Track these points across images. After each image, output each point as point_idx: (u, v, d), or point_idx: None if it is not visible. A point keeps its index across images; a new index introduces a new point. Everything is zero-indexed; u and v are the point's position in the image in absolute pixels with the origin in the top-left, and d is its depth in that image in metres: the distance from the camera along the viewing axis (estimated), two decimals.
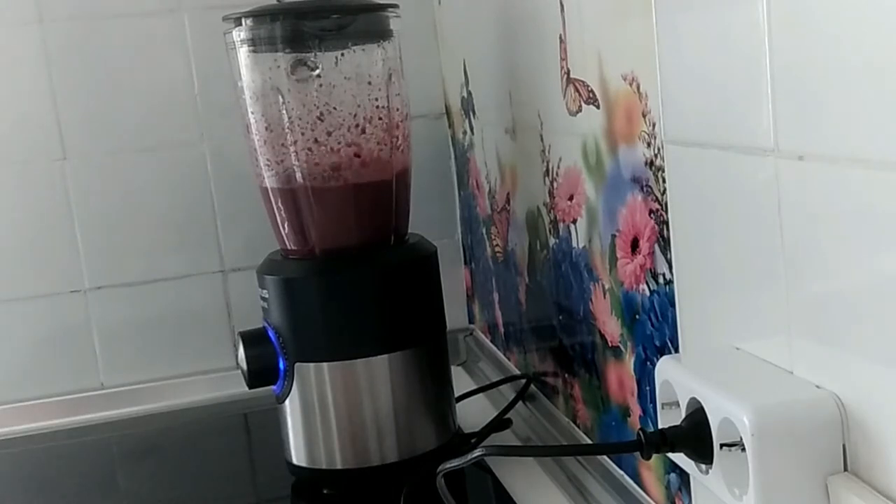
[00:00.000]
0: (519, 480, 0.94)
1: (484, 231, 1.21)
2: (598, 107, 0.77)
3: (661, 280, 0.70)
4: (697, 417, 0.56)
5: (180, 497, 1.04)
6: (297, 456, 0.96)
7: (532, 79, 0.92)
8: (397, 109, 0.96)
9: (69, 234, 1.27)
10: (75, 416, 1.26)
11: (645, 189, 0.70)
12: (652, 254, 0.71)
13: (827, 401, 0.51)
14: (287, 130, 0.92)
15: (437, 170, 1.33)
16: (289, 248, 0.97)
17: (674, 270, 0.67)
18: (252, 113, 0.94)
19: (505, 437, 1.04)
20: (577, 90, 0.80)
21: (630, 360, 0.77)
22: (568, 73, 0.82)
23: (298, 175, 0.93)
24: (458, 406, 1.02)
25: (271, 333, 0.94)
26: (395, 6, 0.95)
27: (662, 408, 0.62)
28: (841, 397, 0.51)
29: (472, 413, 1.07)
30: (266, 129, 0.93)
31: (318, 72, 0.92)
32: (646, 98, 0.68)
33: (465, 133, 1.24)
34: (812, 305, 0.52)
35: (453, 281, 1.31)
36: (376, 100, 0.94)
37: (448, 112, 1.33)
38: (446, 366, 0.99)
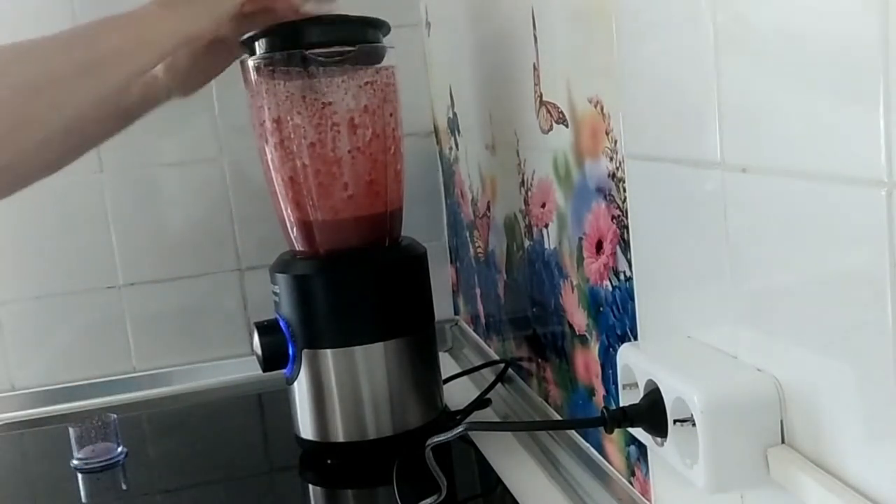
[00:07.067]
0: (498, 452, 0.94)
1: (468, 234, 1.20)
2: (567, 126, 0.76)
3: (622, 277, 0.69)
4: (654, 397, 0.56)
5: (202, 466, 1.03)
6: (305, 430, 0.95)
7: (509, 101, 0.91)
8: (392, 129, 0.95)
9: (105, 237, 1.26)
10: (111, 396, 1.25)
11: (608, 197, 0.70)
12: (614, 254, 0.70)
13: (767, 382, 0.51)
14: (295, 147, 0.92)
15: (426, 181, 1.32)
16: (297, 249, 0.96)
17: (633, 268, 0.67)
18: (265, 131, 0.93)
19: (486, 415, 1.03)
20: (548, 111, 0.80)
21: (595, 347, 0.77)
22: (541, 96, 0.82)
23: (305, 186, 0.92)
24: (445, 387, 1.01)
25: (282, 324, 0.93)
26: (391, 47, 0.95)
27: (623, 388, 0.61)
28: (779, 379, 0.50)
29: (457, 393, 1.07)
30: (277, 145, 0.92)
31: (323, 96, 0.91)
32: (609, 118, 0.68)
33: (451, 149, 1.24)
34: (754, 299, 0.52)
35: (441, 278, 1.31)
36: (374, 122, 0.93)
37: (436, 130, 1.32)
38: (434, 352, 0.99)
